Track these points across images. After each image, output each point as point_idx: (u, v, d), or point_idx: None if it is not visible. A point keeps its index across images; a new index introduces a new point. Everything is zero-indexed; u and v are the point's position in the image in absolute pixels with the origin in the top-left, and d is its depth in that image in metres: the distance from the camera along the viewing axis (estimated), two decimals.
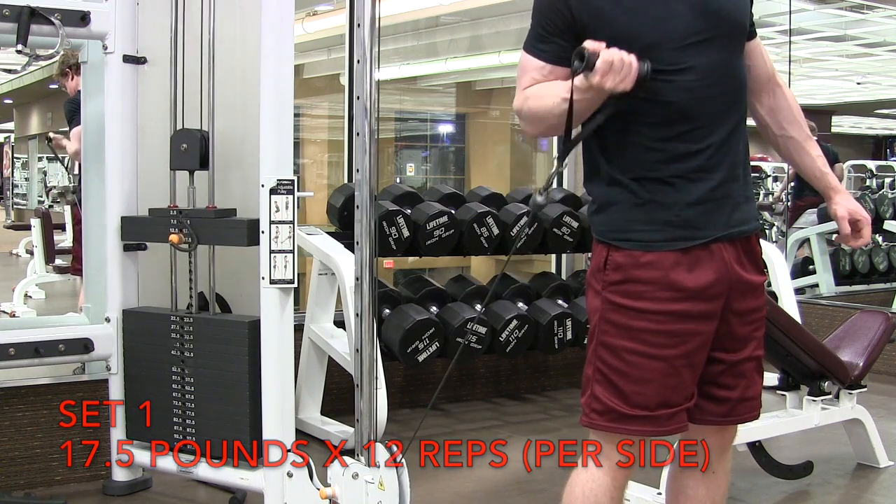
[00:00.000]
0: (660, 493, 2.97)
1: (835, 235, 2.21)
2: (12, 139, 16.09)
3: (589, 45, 1.73)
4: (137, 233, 3.21)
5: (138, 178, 3.26)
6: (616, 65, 1.71)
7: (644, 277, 1.88)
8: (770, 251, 4.85)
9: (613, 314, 1.90)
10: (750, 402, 2.02)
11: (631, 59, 1.72)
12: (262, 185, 2.81)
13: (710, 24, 1.86)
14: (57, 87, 4.85)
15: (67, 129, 4.76)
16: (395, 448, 2.60)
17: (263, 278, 2.85)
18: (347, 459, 2.70)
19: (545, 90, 1.87)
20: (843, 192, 2.09)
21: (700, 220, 1.88)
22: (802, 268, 7.18)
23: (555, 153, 5.44)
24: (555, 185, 5.34)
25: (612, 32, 1.82)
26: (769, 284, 4.70)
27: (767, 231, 8.35)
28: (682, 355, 1.89)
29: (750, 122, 2.09)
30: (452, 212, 4.31)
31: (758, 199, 8.91)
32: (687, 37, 1.84)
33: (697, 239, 1.88)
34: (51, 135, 5.38)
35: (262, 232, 2.84)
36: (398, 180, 12.84)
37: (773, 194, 9.22)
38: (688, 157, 1.86)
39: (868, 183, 9.31)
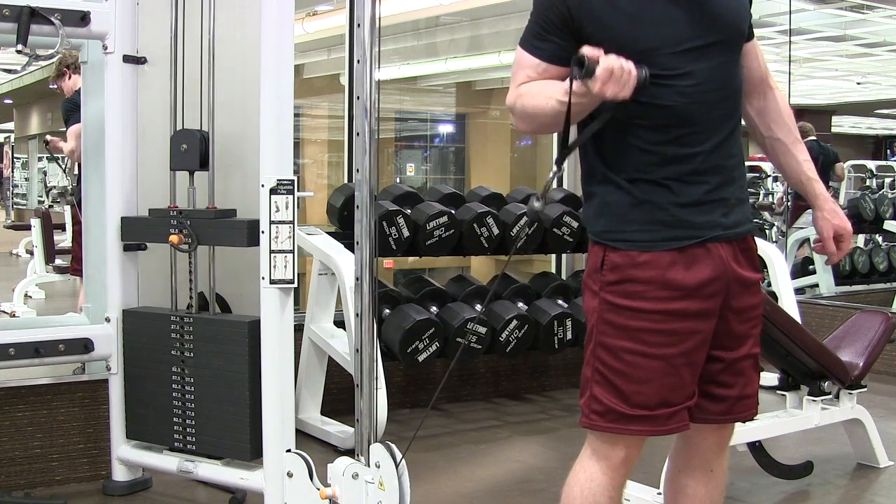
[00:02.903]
0: (660, 493, 2.96)
1: (814, 244, 2.19)
2: (12, 139, 16.09)
3: (588, 51, 1.70)
4: (137, 233, 3.21)
5: (138, 178, 3.26)
6: (616, 73, 1.68)
7: (642, 277, 1.88)
8: (770, 251, 4.85)
9: (611, 314, 1.90)
10: (748, 400, 2.02)
11: (630, 66, 1.70)
12: (262, 185, 2.81)
13: (708, 30, 1.86)
14: (55, 87, 4.85)
15: (65, 128, 4.76)
16: (395, 448, 2.60)
17: (263, 278, 2.85)
18: (347, 459, 2.70)
19: (538, 89, 1.86)
20: (829, 203, 2.09)
21: (696, 220, 1.88)
22: (802, 268, 7.17)
23: (553, 153, 5.43)
24: (555, 185, 5.34)
25: (610, 35, 1.82)
26: (769, 284, 4.71)
27: (767, 231, 8.34)
28: (681, 354, 1.89)
29: None
30: (452, 212, 4.31)
31: (758, 199, 8.91)
32: (685, 42, 1.84)
33: (694, 238, 1.88)
34: (48, 137, 5.38)
35: (262, 232, 2.84)
36: (398, 180, 12.85)
37: (773, 194, 9.22)
38: (683, 160, 1.87)
39: (868, 183, 9.31)
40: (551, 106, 1.81)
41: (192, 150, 3.08)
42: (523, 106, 1.89)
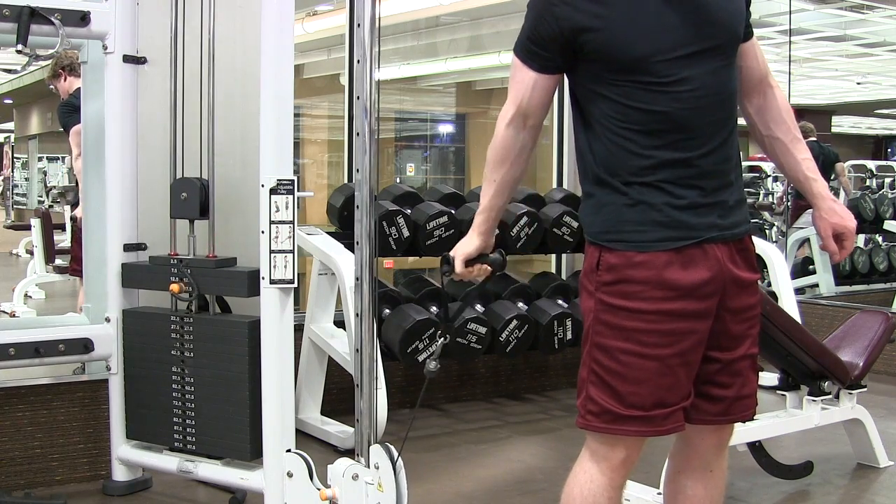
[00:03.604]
0: (660, 493, 2.96)
1: (818, 244, 2.19)
2: (12, 139, 16.10)
3: (455, 252, 2.10)
4: (138, 280, 3.22)
5: (138, 182, 3.26)
6: (472, 274, 2.13)
7: (637, 277, 1.88)
8: (770, 251, 4.85)
9: (607, 315, 1.90)
10: (745, 401, 2.02)
11: (482, 270, 2.12)
12: (262, 185, 2.81)
13: (703, 36, 1.86)
14: (52, 88, 4.83)
15: (63, 131, 4.74)
16: (392, 449, 2.60)
17: (263, 278, 2.85)
18: (347, 460, 2.70)
19: (496, 161, 2.00)
20: (828, 201, 2.07)
21: (692, 221, 1.88)
22: (802, 268, 7.17)
23: (552, 155, 5.44)
24: (554, 184, 5.35)
25: (603, 44, 1.83)
26: (769, 284, 4.71)
27: (767, 231, 8.34)
28: (676, 354, 1.89)
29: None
30: (452, 212, 4.31)
31: (758, 199, 8.91)
32: (680, 48, 1.84)
33: (690, 239, 1.88)
34: (76, 215, 5.37)
35: (262, 232, 2.84)
36: (398, 180, 12.85)
37: (773, 194, 9.22)
38: (678, 165, 1.86)
39: (868, 183, 9.31)
40: (484, 188, 2.05)
41: (192, 199, 3.09)
42: (489, 150, 2.02)
